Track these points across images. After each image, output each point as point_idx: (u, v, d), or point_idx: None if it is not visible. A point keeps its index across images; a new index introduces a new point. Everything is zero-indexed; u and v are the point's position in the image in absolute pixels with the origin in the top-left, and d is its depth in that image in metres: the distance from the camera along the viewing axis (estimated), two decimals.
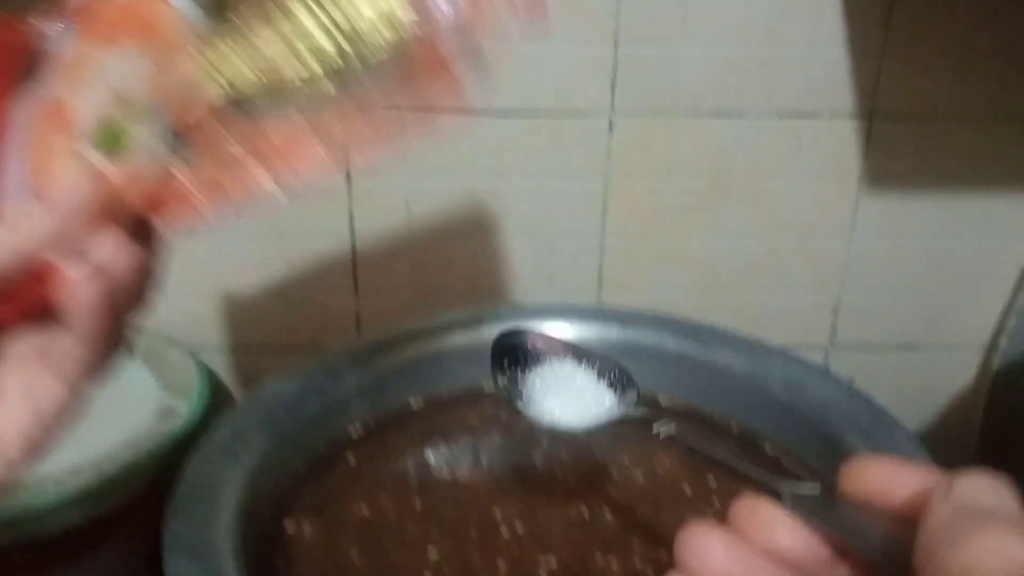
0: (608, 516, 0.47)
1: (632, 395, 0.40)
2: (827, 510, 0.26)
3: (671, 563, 0.44)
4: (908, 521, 0.23)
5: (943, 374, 0.71)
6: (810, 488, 0.27)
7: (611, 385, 0.41)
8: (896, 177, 0.63)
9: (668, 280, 0.66)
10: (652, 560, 0.44)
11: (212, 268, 0.64)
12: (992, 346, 0.69)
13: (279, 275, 0.65)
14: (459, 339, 0.56)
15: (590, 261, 0.66)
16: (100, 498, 0.51)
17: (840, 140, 0.62)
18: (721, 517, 0.46)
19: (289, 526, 0.46)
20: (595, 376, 0.41)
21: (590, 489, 0.50)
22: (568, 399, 0.39)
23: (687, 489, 0.49)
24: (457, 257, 0.65)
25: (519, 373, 0.41)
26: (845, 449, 0.48)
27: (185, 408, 0.57)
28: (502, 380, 0.40)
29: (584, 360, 0.41)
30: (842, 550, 0.25)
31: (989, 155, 0.63)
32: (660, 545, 0.45)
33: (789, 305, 0.68)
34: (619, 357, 0.48)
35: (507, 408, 0.56)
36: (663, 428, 0.38)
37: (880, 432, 0.48)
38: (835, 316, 0.68)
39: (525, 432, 0.53)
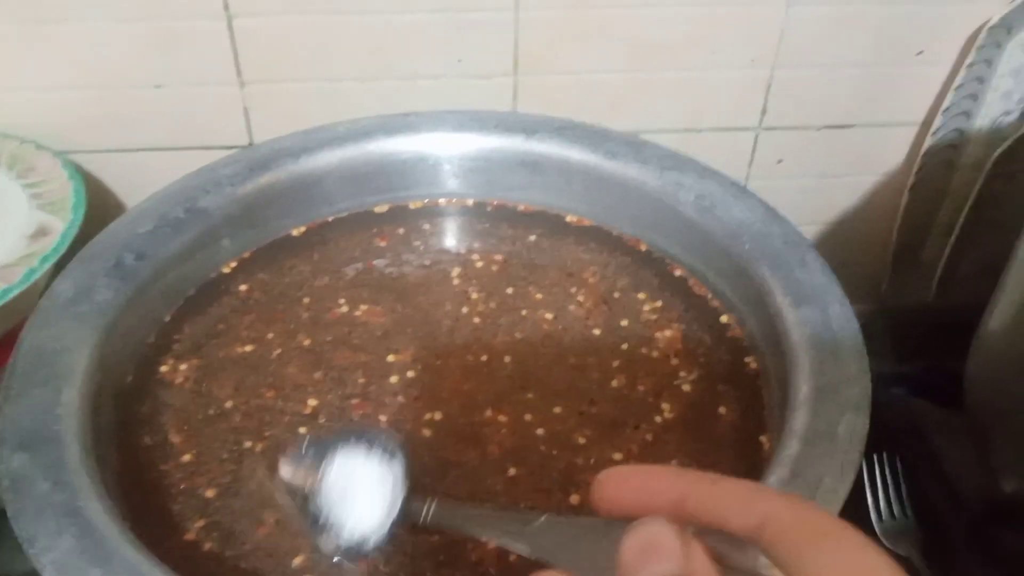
0: (507, 362, 0.42)
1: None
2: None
3: (564, 417, 0.40)
4: None
5: (874, 153, 0.64)
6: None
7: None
8: None
9: (591, 57, 0.57)
10: (543, 416, 0.39)
11: (78, 58, 0.53)
12: (926, 124, 0.61)
13: (152, 64, 0.54)
14: (340, 156, 0.47)
15: (504, 38, 0.56)
16: None
17: None
18: (629, 359, 0.41)
19: (161, 373, 0.41)
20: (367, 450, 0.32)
21: (493, 332, 0.44)
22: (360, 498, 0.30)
23: (596, 332, 0.44)
24: (352, 36, 0.54)
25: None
26: (755, 275, 0.42)
27: (61, 225, 0.49)
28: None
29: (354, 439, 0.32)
30: None
31: None
32: (555, 400, 0.40)
33: (719, 84, 0.59)
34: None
35: (411, 232, 0.49)
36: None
37: (792, 258, 0.42)
38: (767, 96, 0.60)
39: (434, 261, 0.46)
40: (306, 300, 0.45)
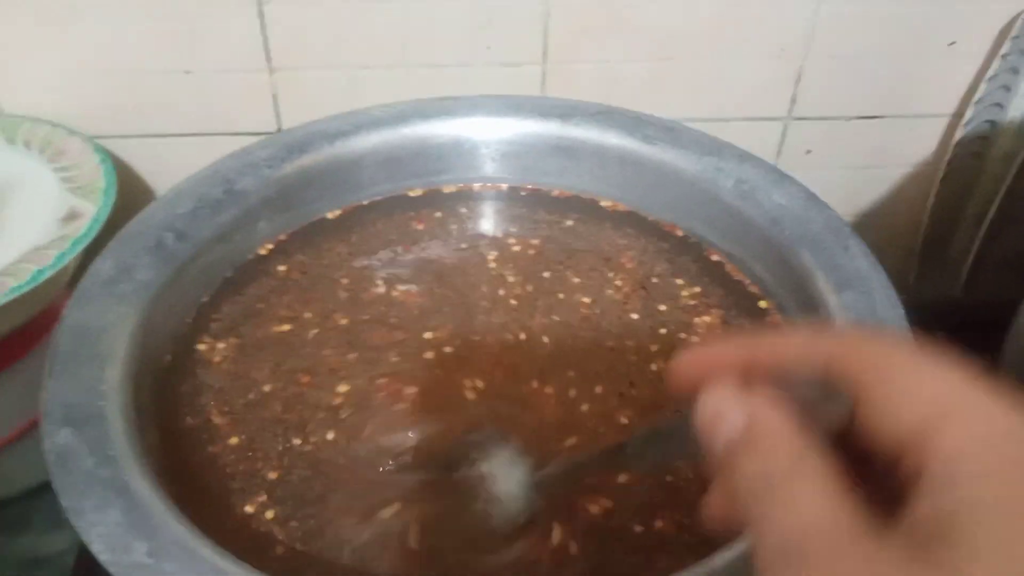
0: (546, 343, 0.41)
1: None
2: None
3: (605, 397, 0.39)
4: None
5: (904, 144, 0.63)
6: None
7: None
8: None
9: (620, 46, 0.57)
10: (587, 393, 0.39)
11: (108, 44, 0.53)
12: (957, 115, 0.61)
13: (182, 50, 0.54)
14: (376, 139, 0.47)
15: (534, 26, 0.55)
16: (10, 312, 0.45)
17: None
18: (667, 343, 0.42)
19: (199, 352, 0.41)
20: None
21: (531, 314, 0.43)
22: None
23: (634, 316, 0.43)
24: (382, 23, 0.54)
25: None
26: (796, 261, 0.42)
27: (92, 208, 0.49)
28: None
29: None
30: None
31: None
32: (595, 380, 0.40)
33: (748, 74, 0.59)
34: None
35: (448, 216, 0.49)
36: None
37: (834, 243, 0.42)
38: (797, 86, 0.59)
39: (471, 245, 0.46)
40: (344, 281, 0.44)
